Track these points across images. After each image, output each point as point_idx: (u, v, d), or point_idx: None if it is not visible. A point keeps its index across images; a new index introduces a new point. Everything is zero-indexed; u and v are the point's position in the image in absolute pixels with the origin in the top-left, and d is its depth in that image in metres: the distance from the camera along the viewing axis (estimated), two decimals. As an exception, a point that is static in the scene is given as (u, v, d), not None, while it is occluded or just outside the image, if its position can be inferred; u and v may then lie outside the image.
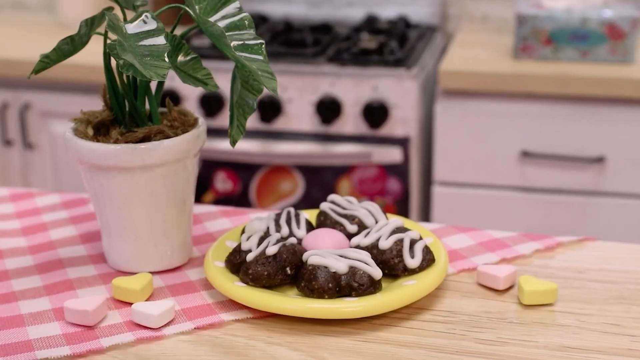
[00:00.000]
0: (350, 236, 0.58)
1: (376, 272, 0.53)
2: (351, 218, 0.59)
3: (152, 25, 0.53)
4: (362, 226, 0.59)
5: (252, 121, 1.55)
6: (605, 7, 1.43)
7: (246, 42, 0.54)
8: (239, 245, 0.56)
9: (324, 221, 0.59)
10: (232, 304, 0.54)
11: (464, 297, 0.55)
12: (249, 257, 0.54)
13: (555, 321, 0.52)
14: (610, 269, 0.59)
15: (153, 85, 0.57)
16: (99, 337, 0.51)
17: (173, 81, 1.55)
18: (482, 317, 0.53)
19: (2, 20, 1.98)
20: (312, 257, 0.53)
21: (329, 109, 1.53)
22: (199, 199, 1.62)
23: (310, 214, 0.63)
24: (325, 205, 0.60)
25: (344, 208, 0.60)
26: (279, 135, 1.58)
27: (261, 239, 0.56)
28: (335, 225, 0.59)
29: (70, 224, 0.67)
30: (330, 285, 0.52)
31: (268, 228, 0.58)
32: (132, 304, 0.54)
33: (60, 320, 0.53)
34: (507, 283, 0.56)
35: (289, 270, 0.54)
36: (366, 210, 0.59)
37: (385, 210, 1.54)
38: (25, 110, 1.69)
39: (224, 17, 0.55)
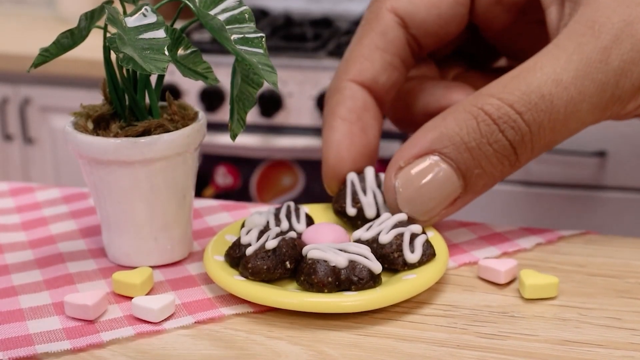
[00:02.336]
0: (347, 217, 0.59)
1: (376, 266, 0.53)
2: (355, 201, 0.59)
3: (152, 18, 0.53)
4: (360, 214, 0.59)
5: (253, 115, 1.55)
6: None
7: (246, 35, 0.54)
8: (239, 240, 0.56)
9: (339, 192, 0.60)
10: (233, 298, 0.54)
11: (465, 291, 0.55)
12: (249, 251, 0.54)
13: (556, 315, 0.52)
14: (612, 262, 0.59)
15: (153, 79, 0.57)
16: (99, 332, 0.51)
17: (173, 75, 1.55)
18: (483, 311, 0.53)
19: (1, 14, 1.98)
20: (311, 251, 0.53)
21: (329, 103, 1.52)
22: (199, 194, 1.62)
23: (310, 208, 0.63)
24: (352, 176, 0.60)
25: (363, 187, 0.59)
26: (279, 130, 1.58)
27: (261, 233, 0.56)
28: (339, 200, 0.59)
29: (70, 218, 0.67)
30: (329, 279, 0.52)
31: (268, 222, 0.58)
32: (132, 298, 0.54)
33: (60, 315, 0.53)
34: (508, 277, 0.56)
35: (288, 264, 0.54)
36: (374, 200, 0.59)
37: (386, 204, 1.54)
38: (25, 105, 1.69)
39: (224, 11, 0.55)
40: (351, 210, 0.58)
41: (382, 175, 0.60)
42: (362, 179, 0.60)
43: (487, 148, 0.54)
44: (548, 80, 0.54)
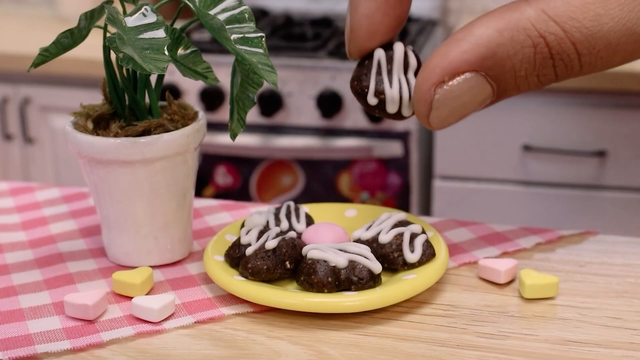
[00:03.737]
0: (364, 101, 0.53)
1: (376, 267, 0.53)
2: (379, 91, 0.53)
3: (152, 18, 0.53)
4: (381, 105, 0.53)
5: (253, 115, 1.55)
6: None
7: (246, 35, 0.54)
8: (238, 239, 0.56)
9: (362, 67, 0.53)
10: (233, 298, 0.54)
11: (465, 291, 0.55)
12: (248, 251, 0.54)
13: (556, 315, 0.52)
14: (612, 262, 0.59)
15: (153, 78, 0.57)
16: (99, 331, 0.51)
17: (173, 75, 1.55)
18: (483, 311, 0.53)
19: (1, 14, 1.98)
20: (311, 251, 0.53)
21: (329, 103, 1.53)
22: (199, 193, 1.62)
23: (310, 208, 0.62)
24: (380, 54, 0.53)
25: (389, 70, 0.53)
26: (279, 130, 1.58)
27: (260, 233, 0.56)
28: (361, 79, 0.53)
29: (70, 218, 0.67)
30: (329, 279, 0.52)
31: (268, 222, 0.58)
32: (132, 298, 0.54)
33: (60, 315, 0.53)
34: (508, 277, 0.56)
35: (288, 264, 0.54)
36: (399, 94, 0.53)
37: (386, 204, 1.54)
38: (25, 105, 1.69)
39: (224, 10, 0.55)
40: (372, 100, 0.53)
41: (411, 57, 0.54)
42: (390, 59, 0.53)
43: (533, 78, 0.51)
44: (621, 29, 0.49)
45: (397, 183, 1.54)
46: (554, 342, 0.50)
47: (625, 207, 1.45)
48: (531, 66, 0.50)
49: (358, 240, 0.56)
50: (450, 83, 0.50)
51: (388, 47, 0.54)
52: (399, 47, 0.53)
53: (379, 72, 0.53)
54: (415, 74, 0.53)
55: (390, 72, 0.53)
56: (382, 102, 0.53)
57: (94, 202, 0.59)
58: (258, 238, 0.55)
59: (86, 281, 0.57)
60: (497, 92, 0.51)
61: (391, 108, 0.53)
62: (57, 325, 0.52)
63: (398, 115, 0.53)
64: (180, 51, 0.56)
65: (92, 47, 0.71)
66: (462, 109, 0.51)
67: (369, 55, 0.53)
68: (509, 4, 0.51)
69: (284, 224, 0.58)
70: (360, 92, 0.53)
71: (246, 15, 0.55)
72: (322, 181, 1.58)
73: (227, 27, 0.53)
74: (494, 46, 0.49)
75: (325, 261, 0.52)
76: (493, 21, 0.50)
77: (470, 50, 0.50)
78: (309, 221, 0.60)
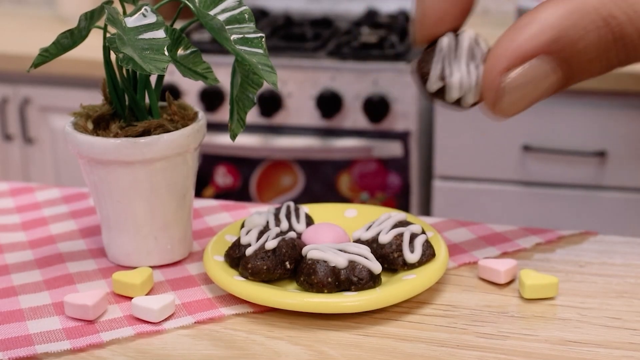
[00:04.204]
0: (425, 86, 0.52)
1: (375, 267, 0.53)
2: (441, 76, 0.52)
3: (152, 18, 0.53)
4: (441, 91, 0.52)
5: (252, 115, 1.55)
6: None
7: (246, 35, 0.54)
8: (238, 240, 0.56)
9: (426, 51, 0.53)
10: (233, 299, 0.54)
11: (465, 291, 0.55)
12: (248, 251, 0.54)
13: (556, 315, 0.52)
14: (611, 262, 0.59)
15: (153, 79, 0.57)
16: (99, 332, 0.51)
17: (173, 75, 1.55)
18: (483, 311, 0.53)
19: (1, 14, 1.98)
20: (311, 252, 0.53)
21: (329, 104, 1.53)
22: (199, 194, 1.62)
23: (310, 208, 0.63)
24: (448, 40, 0.52)
25: (456, 56, 0.52)
26: (279, 130, 1.58)
27: (260, 233, 0.56)
28: (426, 62, 0.52)
29: (70, 218, 0.67)
30: (329, 279, 0.52)
31: (267, 222, 0.58)
32: (132, 298, 0.54)
33: (60, 315, 0.53)
34: (508, 277, 0.56)
35: (288, 264, 0.54)
36: (459, 82, 0.51)
37: (386, 204, 1.54)
38: (25, 105, 1.69)
39: (223, 11, 0.55)
40: (434, 86, 0.52)
41: (479, 45, 0.52)
42: (456, 46, 0.52)
43: (598, 63, 0.50)
44: None
45: (397, 183, 1.54)
46: (554, 342, 0.50)
47: (624, 208, 1.45)
48: (596, 49, 0.50)
49: (358, 241, 0.56)
50: (520, 68, 0.49)
51: (456, 35, 0.53)
52: (467, 35, 0.53)
53: (443, 58, 0.52)
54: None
55: (455, 59, 0.52)
56: (443, 89, 0.52)
57: (94, 202, 0.59)
58: (258, 238, 0.55)
59: (86, 281, 0.57)
60: (566, 77, 0.51)
61: (453, 95, 0.52)
62: (57, 326, 0.52)
63: (458, 104, 0.53)
64: (180, 51, 0.56)
65: (92, 48, 0.71)
66: (531, 94, 0.51)
67: (436, 42, 0.53)
68: None
69: (284, 224, 0.58)
70: (421, 76, 0.53)
71: (246, 16, 0.55)
72: (322, 181, 1.58)
73: (227, 27, 0.54)
74: (563, 28, 0.49)
75: (325, 261, 0.53)
76: (560, 4, 0.50)
77: (538, 34, 0.49)
78: (309, 221, 0.60)
